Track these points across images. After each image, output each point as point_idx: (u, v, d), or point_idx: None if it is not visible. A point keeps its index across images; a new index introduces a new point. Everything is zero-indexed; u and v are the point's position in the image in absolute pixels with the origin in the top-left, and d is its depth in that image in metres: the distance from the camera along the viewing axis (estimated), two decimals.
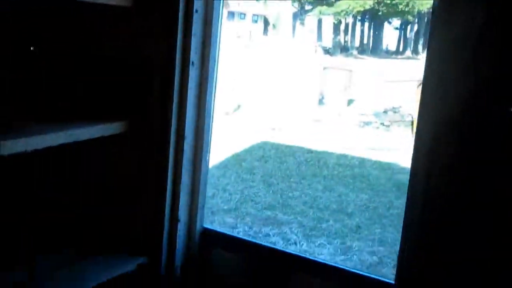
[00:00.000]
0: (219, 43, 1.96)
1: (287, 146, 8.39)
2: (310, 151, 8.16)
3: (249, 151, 7.92)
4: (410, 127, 10.34)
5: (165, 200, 1.91)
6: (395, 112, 11.79)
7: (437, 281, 1.55)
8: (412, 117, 10.62)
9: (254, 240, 2.26)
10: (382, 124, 10.81)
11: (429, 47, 1.58)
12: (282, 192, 6.15)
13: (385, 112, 11.83)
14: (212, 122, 2.00)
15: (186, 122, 1.89)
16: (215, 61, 1.95)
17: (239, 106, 11.34)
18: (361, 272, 1.81)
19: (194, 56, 1.88)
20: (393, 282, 1.69)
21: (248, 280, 1.96)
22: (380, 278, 1.75)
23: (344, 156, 7.98)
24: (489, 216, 1.47)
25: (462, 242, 1.51)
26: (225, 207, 5.54)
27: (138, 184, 1.95)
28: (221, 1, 1.92)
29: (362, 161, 7.74)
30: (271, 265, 1.92)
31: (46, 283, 1.76)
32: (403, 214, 4.72)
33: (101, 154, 2.01)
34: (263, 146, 8.27)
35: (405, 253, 1.61)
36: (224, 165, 7.10)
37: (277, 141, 8.71)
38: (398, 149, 8.71)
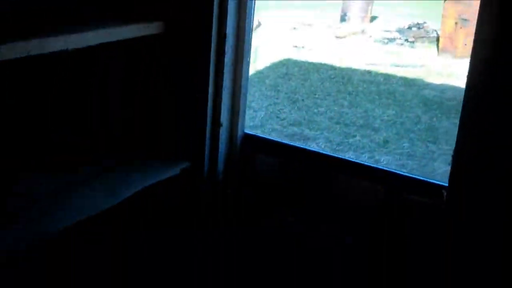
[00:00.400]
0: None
1: (310, 63, 8.26)
2: (334, 68, 8.03)
3: (272, 68, 7.81)
4: (435, 43, 10.08)
5: (207, 104, 1.87)
6: (419, 28, 11.46)
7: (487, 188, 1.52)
8: (437, 33, 10.33)
9: (296, 144, 2.24)
10: (407, 40, 10.53)
11: None
12: (307, 108, 6.10)
13: (409, 28, 11.51)
14: (253, 21, 1.93)
15: (228, 20, 1.82)
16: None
17: (259, 23, 11.10)
18: (407, 174, 1.79)
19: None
20: (443, 183, 1.67)
21: (291, 183, 1.95)
22: (428, 179, 1.72)
23: (369, 73, 7.84)
24: None
25: None
26: (251, 124, 5.52)
27: (179, 89, 1.92)
28: None
29: (387, 78, 7.61)
30: (314, 168, 1.90)
31: (93, 185, 1.78)
32: (430, 129, 4.69)
33: (138, 59, 1.97)
34: (286, 63, 8.15)
35: (459, 158, 1.57)
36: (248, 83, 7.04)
37: (300, 58, 8.57)
38: (423, 65, 8.54)
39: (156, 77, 1.97)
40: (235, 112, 1.97)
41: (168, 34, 1.84)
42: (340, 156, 1.93)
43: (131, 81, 2.03)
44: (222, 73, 1.87)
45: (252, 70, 7.58)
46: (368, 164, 1.90)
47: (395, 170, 1.83)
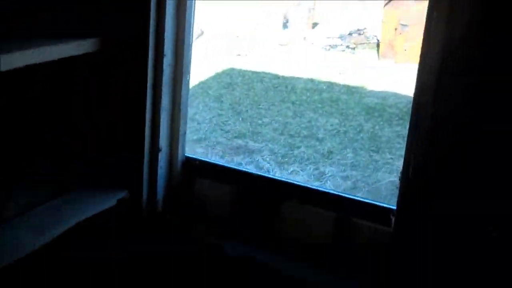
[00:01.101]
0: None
1: (254, 72, 8.21)
2: (277, 77, 8.01)
3: (216, 78, 7.72)
4: (376, 49, 10.24)
5: (145, 127, 1.76)
6: (360, 34, 11.63)
7: (438, 211, 1.47)
8: (377, 39, 10.50)
9: (240, 168, 2.14)
10: (348, 46, 10.66)
11: None
12: (251, 119, 6.03)
13: (350, 34, 11.66)
14: (192, 38, 1.83)
15: (165, 37, 1.72)
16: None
17: (202, 32, 10.99)
18: (356, 197, 1.73)
19: None
20: (390, 206, 1.62)
21: (235, 210, 1.86)
22: (377, 203, 1.67)
23: (312, 81, 7.86)
24: (500, 146, 1.37)
25: (469, 174, 1.41)
26: (195, 137, 5.40)
27: (113, 110, 1.80)
28: None
29: (330, 85, 7.65)
30: (259, 193, 1.82)
31: (21, 224, 1.63)
32: (372, 137, 4.67)
33: (71, 79, 1.84)
34: (229, 73, 8.07)
35: (408, 181, 1.51)
36: (190, 94, 6.90)
37: (243, 67, 8.51)
38: (364, 72, 8.64)
39: (91, 98, 1.84)
40: (175, 135, 1.87)
41: (103, 53, 1.72)
42: (288, 181, 1.85)
43: (63, 103, 1.89)
44: (161, 93, 1.76)
45: (195, 80, 7.47)
46: (316, 187, 1.82)
47: (344, 193, 1.76)
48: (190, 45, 1.81)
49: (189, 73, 1.84)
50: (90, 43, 1.66)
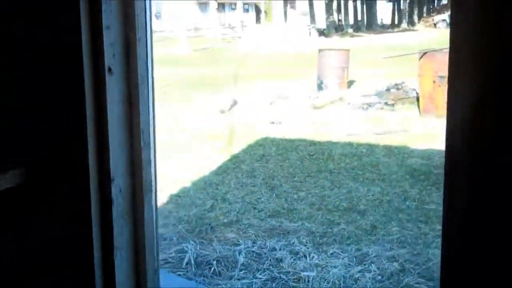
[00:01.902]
0: (150, 40, 1.47)
1: (288, 141, 7.88)
2: (313, 143, 7.64)
3: (248, 150, 7.41)
4: (416, 103, 9.80)
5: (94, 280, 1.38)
6: (398, 89, 11.25)
7: None
8: (416, 93, 10.08)
9: None
10: (386, 103, 10.27)
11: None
12: (286, 194, 5.63)
13: (388, 90, 11.29)
14: (154, 152, 1.49)
15: (112, 157, 1.37)
16: (146, 66, 1.45)
17: (235, 102, 10.83)
18: None
19: (111, 60, 1.37)
20: None
21: None
22: None
23: (350, 145, 7.46)
24: None
25: None
26: (225, 220, 5.02)
27: (53, 261, 1.44)
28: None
29: (370, 148, 7.22)
30: None
31: None
32: (420, 206, 4.18)
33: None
34: (263, 144, 7.76)
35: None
36: (222, 170, 6.60)
37: (277, 135, 8.20)
38: (406, 129, 8.19)
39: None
40: (141, 272, 1.48)
41: (30, 184, 1.39)
42: None
43: None
44: (112, 228, 1.39)
45: (227, 155, 7.18)
46: None
47: None
48: (151, 161, 1.46)
49: (153, 193, 1.48)
50: (11, 176, 1.33)
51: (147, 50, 1.59)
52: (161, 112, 10.17)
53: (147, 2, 1.59)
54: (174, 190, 5.87)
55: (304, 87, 12.67)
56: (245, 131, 8.44)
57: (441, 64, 8.75)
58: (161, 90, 13.04)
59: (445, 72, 8.59)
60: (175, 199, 5.62)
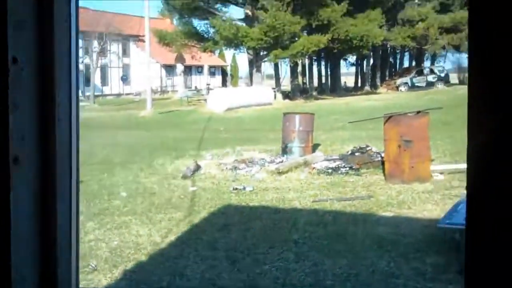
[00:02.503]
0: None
1: (252, 208, 7.61)
2: (277, 211, 7.39)
3: (210, 219, 7.10)
4: (381, 168, 9.69)
5: None
6: (363, 153, 11.18)
7: None
8: (381, 157, 10.00)
9: None
10: (351, 168, 10.14)
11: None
12: (248, 269, 5.31)
13: (353, 154, 11.21)
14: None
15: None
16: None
17: (199, 167, 10.56)
18: None
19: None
20: None
21: None
22: None
23: (315, 212, 7.23)
24: None
25: None
26: None
27: None
28: None
29: (336, 216, 7.00)
30: None
31: None
32: (389, 278, 3.86)
33: None
34: (226, 212, 7.47)
35: None
36: (182, 241, 6.26)
37: (241, 203, 7.93)
38: (371, 195, 8.02)
39: None
40: None
41: None
42: None
43: None
44: None
45: (188, 224, 6.85)
46: None
47: None
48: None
49: None
50: None
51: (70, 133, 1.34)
52: (121, 177, 9.86)
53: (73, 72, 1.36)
54: (129, 264, 5.51)
55: (268, 151, 12.52)
56: (208, 198, 8.15)
57: (406, 128, 8.72)
58: (122, 154, 12.74)
59: (410, 136, 8.58)
60: (130, 275, 5.25)
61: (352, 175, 9.52)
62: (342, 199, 7.79)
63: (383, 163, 9.58)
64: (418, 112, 9.27)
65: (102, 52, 44.79)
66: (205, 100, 34.23)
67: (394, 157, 8.86)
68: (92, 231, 6.61)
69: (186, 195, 8.38)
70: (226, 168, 10.52)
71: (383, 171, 9.31)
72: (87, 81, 46.82)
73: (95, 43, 43.07)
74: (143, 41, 35.84)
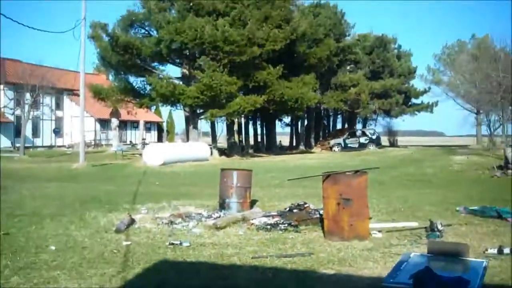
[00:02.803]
0: None
1: (189, 264, 7.30)
2: (216, 267, 7.12)
3: (145, 276, 6.72)
4: (320, 225, 9.63)
5: None
6: (301, 209, 11.13)
7: None
8: (320, 214, 9.97)
9: None
10: (290, 224, 10.03)
11: None
12: None
13: (291, 210, 11.14)
14: None
15: None
16: None
17: (133, 220, 10.15)
18: None
19: None
20: None
21: None
22: None
23: (255, 269, 7.00)
24: None
25: None
26: None
27: None
28: None
29: (276, 273, 6.79)
30: None
31: None
32: None
33: None
34: (161, 268, 7.12)
35: None
36: None
37: (177, 258, 7.60)
38: (311, 252, 7.89)
39: None
40: None
41: None
42: None
43: None
44: None
45: (121, 280, 6.46)
46: None
47: None
48: None
49: None
50: None
51: None
52: (50, 230, 9.30)
53: None
54: None
55: (205, 206, 12.28)
56: (143, 253, 7.78)
57: (345, 187, 8.75)
58: (52, 206, 12.13)
59: (349, 195, 8.60)
60: None
61: (291, 232, 9.40)
62: (282, 256, 7.62)
63: (321, 220, 9.53)
64: (357, 171, 9.35)
65: (35, 105, 43.56)
66: (140, 154, 33.70)
67: (333, 215, 8.83)
68: (16, 286, 6.11)
69: (120, 250, 7.97)
70: (162, 222, 10.17)
71: (322, 228, 9.25)
72: (18, 133, 45.27)
73: (27, 95, 41.91)
74: (78, 95, 35.20)
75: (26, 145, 43.88)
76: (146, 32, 37.64)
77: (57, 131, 57.02)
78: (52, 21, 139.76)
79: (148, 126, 65.64)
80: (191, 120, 37.83)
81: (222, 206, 11.56)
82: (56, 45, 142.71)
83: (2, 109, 46.85)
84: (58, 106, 57.84)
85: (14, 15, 59.89)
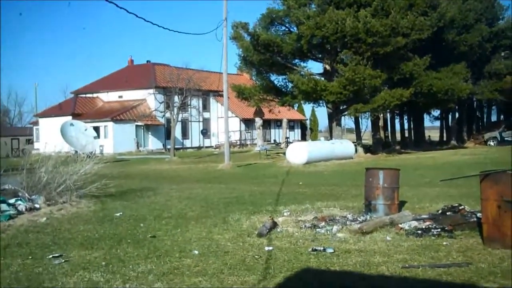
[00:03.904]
0: None
1: (333, 273, 6.84)
2: (362, 278, 6.59)
3: (287, 285, 6.40)
4: (477, 229, 8.67)
5: None
6: (455, 212, 10.19)
7: None
8: (477, 218, 8.99)
9: None
10: (443, 229, 9.17)
11: None
12: None
13: (444, 213, 10.25)
14: None
15: None
16: None
17: (275, 224, 9.93)
18: None
19: None
20: None
21: None
22: None
23: (406, 281, 6.37)
24: None
25: None
26: None
27: None
28: None
29: (430, 286, 6.11)
30: None
31: None
32: None
33: None
34: (303, 277, 6.76)
35: None
36: None
37: (320, 266, 7.17)
38: (469, 262, 7.05)
39: None
40: None
41: None
42: None
43: None
44: None
45: None
46: None
47: None
48: None
49: None
50: None
51: None
52: (194, 233, 9.39)
53: None
54: None
55: (350, 208, 11.73)
56: (284, 260, 7.46)
57: (507, 188, 7.74)
58: (197, 208, 12.34)
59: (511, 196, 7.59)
60: None
61: (445, 238, 8.55)
62: (435, 266, 6.89)
63: (480, 224, 8.56)
64: None
65: (183, 107, 45.61)
66: (284, 153, 33.78)
67: (494, 219, 7.87)
68: None
69: (261, 256, 7.73)
70: (305, 226, 9.82)
71: (481, 234, 8.29)
72: (168, 135, 47.77)
73: (176, 98, 43.97)
74: (222, 96, 36.15)
75: (176, 146, 46.08)
76: (287, 29, 37.62)
77: (205, 132, 59.40)
78: (195, 24, 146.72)
79: (291, 124, 66.05)
80: (334, 117, 37.19)
81: (368, 208, 10.93)
82: (200, 48, 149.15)
83: (153, 113, 49.67)
84: (205, 107, 60.17)
85: (158, 20, 63.63)
